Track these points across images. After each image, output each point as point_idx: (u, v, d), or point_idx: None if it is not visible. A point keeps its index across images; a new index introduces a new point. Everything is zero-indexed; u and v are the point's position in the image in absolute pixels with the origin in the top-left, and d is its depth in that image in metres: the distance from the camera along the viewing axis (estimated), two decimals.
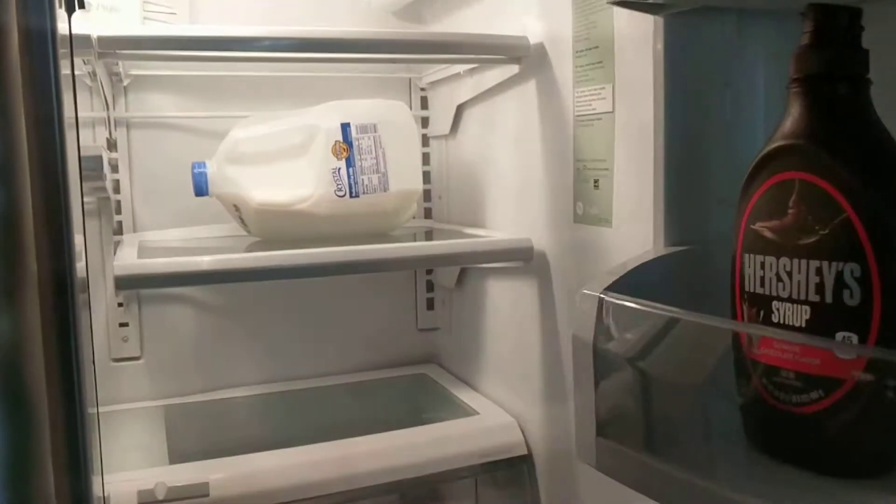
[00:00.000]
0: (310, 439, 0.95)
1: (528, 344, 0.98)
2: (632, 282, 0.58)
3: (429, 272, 1.28)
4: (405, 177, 1.00)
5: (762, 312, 0.51)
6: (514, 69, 0.97)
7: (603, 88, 0.79)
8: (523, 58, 0.94)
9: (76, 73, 0.96)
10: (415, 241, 1.07)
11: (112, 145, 1.09)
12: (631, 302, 0.55)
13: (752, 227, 0.52)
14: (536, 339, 0.96)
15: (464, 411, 1.07)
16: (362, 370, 1.24)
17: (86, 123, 1.07)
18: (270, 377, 1.19)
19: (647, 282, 0.59)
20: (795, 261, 0.48)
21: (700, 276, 0.64)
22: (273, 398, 1.16)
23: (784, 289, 0.49)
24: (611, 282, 0.57)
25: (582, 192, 0.84)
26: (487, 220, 1.09)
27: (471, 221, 1.13)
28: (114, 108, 1.09)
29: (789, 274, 0.49)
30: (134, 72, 1.10)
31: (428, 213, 1.27)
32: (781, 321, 0.49)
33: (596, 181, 0.81)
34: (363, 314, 1.25)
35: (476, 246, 0.98)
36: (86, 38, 0.78)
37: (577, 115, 0.84)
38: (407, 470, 0.94)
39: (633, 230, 0.76)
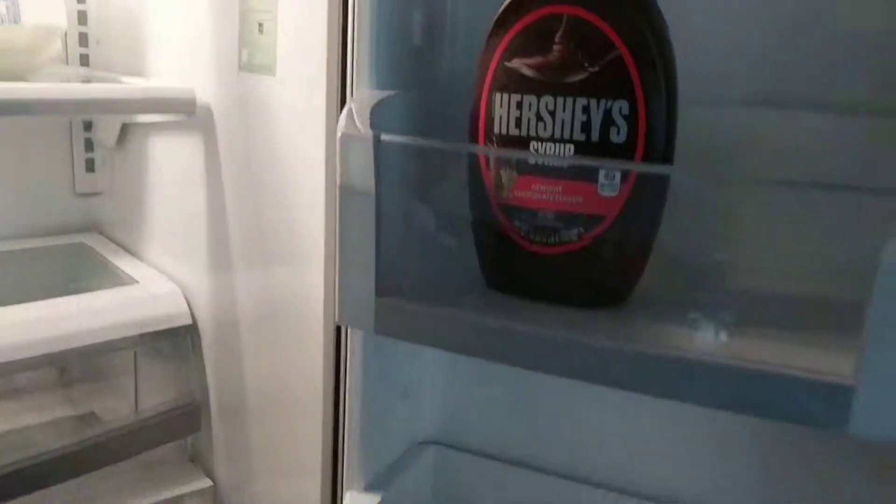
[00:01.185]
0: None
1: (193, 208, 0.90)
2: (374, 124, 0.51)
3: (87, 129, 1.13)
4: (43, 9, 0.86)
5: None
6: None
7: None
8: None
9: None
10: None
11: None
12: (418, 140, 0.50)
13: (506, 64, 0.49)
14: (202, 203, 0.89)
15: (123, 281, 0.98)
16: (9, 238, 1.09)
17: None
18: None
19: (384, 125, 0.53)
20: (560, 99, 0.47)
21: (427, 119, 0.60)
22: None
23: (545, 129, 0.47)
24: (368, 121, 0.50)
25: (247, 38, 0.77)
26: (150, 68, 0.97)
27: (133, 70, 1.00)
28: None
29: (552, 113, 0.47)
30: None
31: (85, 60, 1.11)
32: (542, 162, 0.48)
33: (261, 25, 0.74)
34: (8, 175, 1.08)
35: (126, 94, 0.86)
36: None
37: None
38: (54, 342, 0.85)
39: (299, 79, 0.71)
